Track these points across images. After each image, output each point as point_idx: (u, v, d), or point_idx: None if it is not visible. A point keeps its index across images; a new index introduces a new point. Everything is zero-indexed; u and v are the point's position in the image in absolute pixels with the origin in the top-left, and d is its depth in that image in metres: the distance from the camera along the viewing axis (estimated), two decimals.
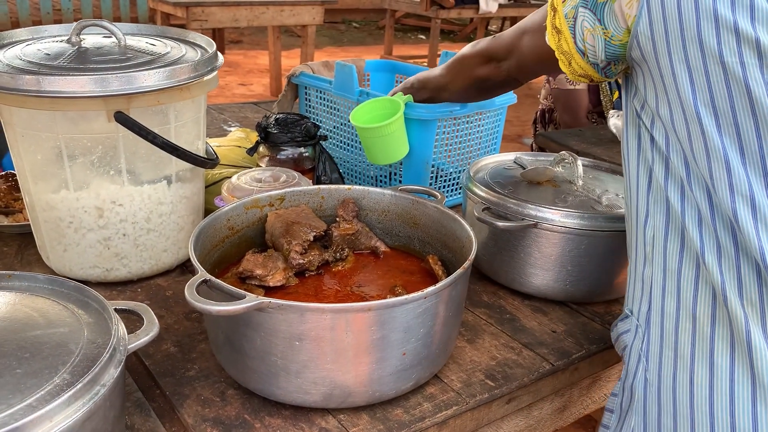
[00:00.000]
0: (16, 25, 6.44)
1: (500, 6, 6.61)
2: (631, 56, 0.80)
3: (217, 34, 7.52)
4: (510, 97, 1.52)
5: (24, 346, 0.68)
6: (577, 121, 2.63)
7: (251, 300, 0.77)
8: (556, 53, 0.90)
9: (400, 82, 1.74)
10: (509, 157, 1.35)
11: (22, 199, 1.27)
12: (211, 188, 1.32)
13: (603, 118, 2.64)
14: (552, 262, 1.12)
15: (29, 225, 1.18)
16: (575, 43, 0.87)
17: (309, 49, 5.58)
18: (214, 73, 1.11)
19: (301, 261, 0.99)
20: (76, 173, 1.05)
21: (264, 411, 0.87)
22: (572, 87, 2.58)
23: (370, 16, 10.13)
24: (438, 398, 0.91)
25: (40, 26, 1.16)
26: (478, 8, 6.48)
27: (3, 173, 1.33)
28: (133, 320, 0.80)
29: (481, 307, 1.15)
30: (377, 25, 9.90)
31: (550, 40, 0.91)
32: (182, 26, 5.04)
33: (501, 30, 10.09)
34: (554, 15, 0.89)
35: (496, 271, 1.20)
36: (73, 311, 0.76)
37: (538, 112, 2.90)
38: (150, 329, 0.76)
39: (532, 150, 2.70)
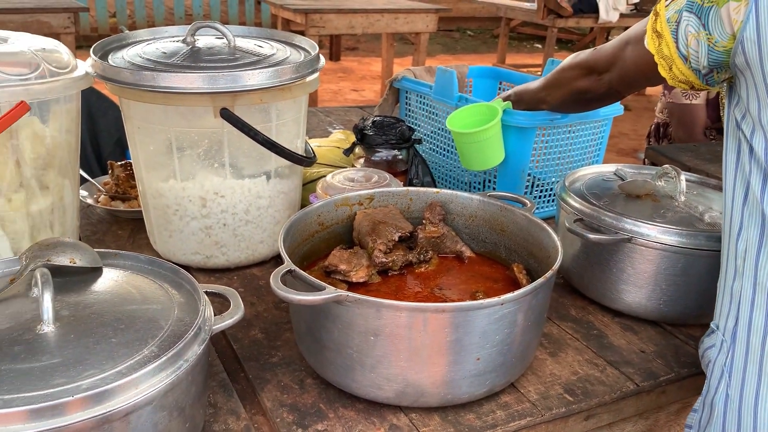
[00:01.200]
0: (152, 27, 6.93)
1: (621, 15, 6.38)
2: (734, 63, 0.78)
3: (333, 41, 7.77)
4: (616, 109, 1.47)
5: (120, 318, 0.74)
6: (693, 137, 2.50)
7: (330, 292, 0.80)
8: (655, 57, 0.88)
9: (504, 89, 1.73)
10: (609, 168, 1.31)
11: (136, 187, 1.37)
12: (309, 186, 1.37)
13: (722, 134, 2.49)
14: (646, 280, 1.07)
15: (142, 211, 1.27)
16: (677, 47, 0.85)
17: (421, 57, 5.62)
18: (316, 74, 1.16)
19: (384, 260, 1.01)
20: (183, 164, 1.13)
21: (339, 402, 0.90)
22: (688, 102, 2.45)
23: (486, 24, 10.06)
24: (512, 407, 0.90)
25: (162, 27, 1.26)
26: (597, 17, 6.28)
27: (123, 162, 1.44)
28: (226, 304, 0.84)
29: (568, 321, 1.13)
30: (492, 34, 9.83)
31: (649, 43, 0.89)
32: (301, 32, 5.25)
33: None
34: (656, 19, 0.88)
35: (587, 286, 1.17)
36: (167, 290, 0.82)
37: (653, 126, 2.78)
38: (235, 313, 0.81)
39: (644, 164, 2.59)
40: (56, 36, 4.02)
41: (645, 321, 1.13)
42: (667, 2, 0.86)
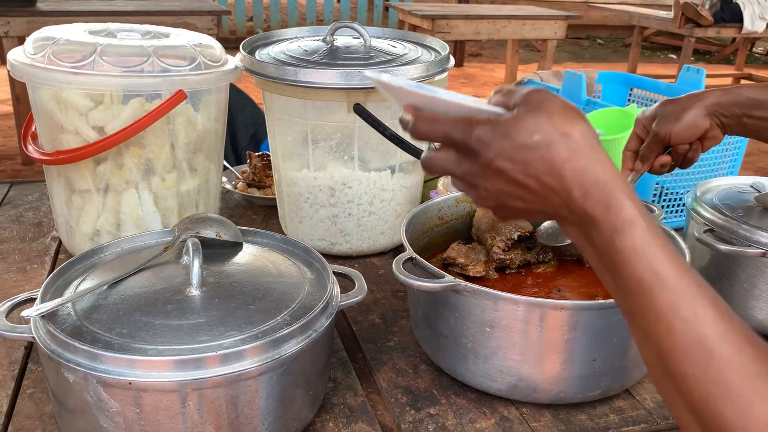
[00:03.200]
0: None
1: None
2: None
3: (457, 47, 7.79)
4: None
5: (258, 288, 0.81)
6: None
7: (449, 281, 0.83)
8: None
9: (636, 96, 1.69)
10: (746, 181, 1.25)
11: (271, 176, 1.47)
12: (429, 183, 1.40)
13: None
14: None
15: (274, 199, 1.36)
16: None
17: (547, 64, 5.54)
18: (445, 74, 1.19)
19: (502, 256, 1.03)
20: (317, 156, 1.20)
21: (451, 390, 0.92)
22: None
23: (617, 32, 9.71)
24: (626, 413, 0.89)
25: (304, 27, 1.34)
26: (741, 27, 5.91)
27: (260, 153, 1.55)
28: (347, 284, 0.90)
29: None
30: (623, 42, 9.46)
31: None
32: None
33: (767, 55, 9.04)
34: None
35: None
36: (299, 267, 0.88)
37: None
38: (359, 293, 0.86)
39: None
40: None
41: None
42: None
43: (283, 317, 0.76)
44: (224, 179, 1.52)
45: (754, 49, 8.91)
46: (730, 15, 5.89)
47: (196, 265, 0.79)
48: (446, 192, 1.20)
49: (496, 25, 5.25)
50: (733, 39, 7.62)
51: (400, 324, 1.07)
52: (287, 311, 0.77)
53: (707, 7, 5.84)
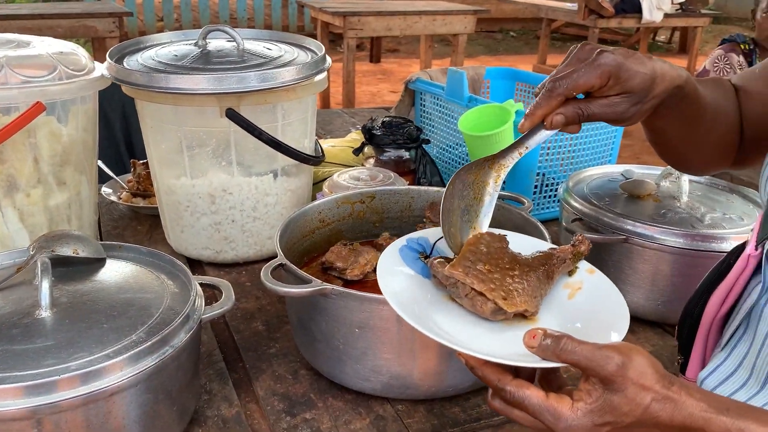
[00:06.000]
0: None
1: (666, 15, 6.25)
2: None
3: (374, 43, 7.81)
4: None
5: (114, 306, 0.79)
6: None
7: (315, 285, 0.83)
8: None
9: (521, 90, 1.73)
10: (617, 169, 1.31)
11: None
12: (319, 184, 1.40)
13: None
14: (642, 280, 1.07)
15: None
16: None
17: (459, 58, 5.62)
18: (322, 75, 1.19)
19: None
20: (194, 162, 1.17)
21: (329, 393, 0.93)
22: None
23: (529, 25, 9.96)
24: None
25: (179, 31, 1.31)
26: (640, 17, 6.17)
27: (145, 161, 1.50)
28: (218, 295, 0.88)
29: None
30: (535, 35, 9.72)
31: None
32: (340, 35, 5.31)
33: (669, 42, 9.48)
34: None
35: None
36: (163, 281, 0.86)
37: None
38: (225, 303, 0.85)
39: None
40: (101, 40, 4.17)
41: (645, 322, 1.12)
42: None
43: (138, 335, 0.74)
44: (109, 190, 1.48)
45: (656, 38, 9.33)
46: (630, 6, 6.15)
47: (45, 285, 0.76)
48: (331, 193, 1.20)
49: (408, 21, 5.29)
50: (637, 29, 7.96)
51: (284, 330, 1.07)
52: (143, 327, 0.75)
53: None
